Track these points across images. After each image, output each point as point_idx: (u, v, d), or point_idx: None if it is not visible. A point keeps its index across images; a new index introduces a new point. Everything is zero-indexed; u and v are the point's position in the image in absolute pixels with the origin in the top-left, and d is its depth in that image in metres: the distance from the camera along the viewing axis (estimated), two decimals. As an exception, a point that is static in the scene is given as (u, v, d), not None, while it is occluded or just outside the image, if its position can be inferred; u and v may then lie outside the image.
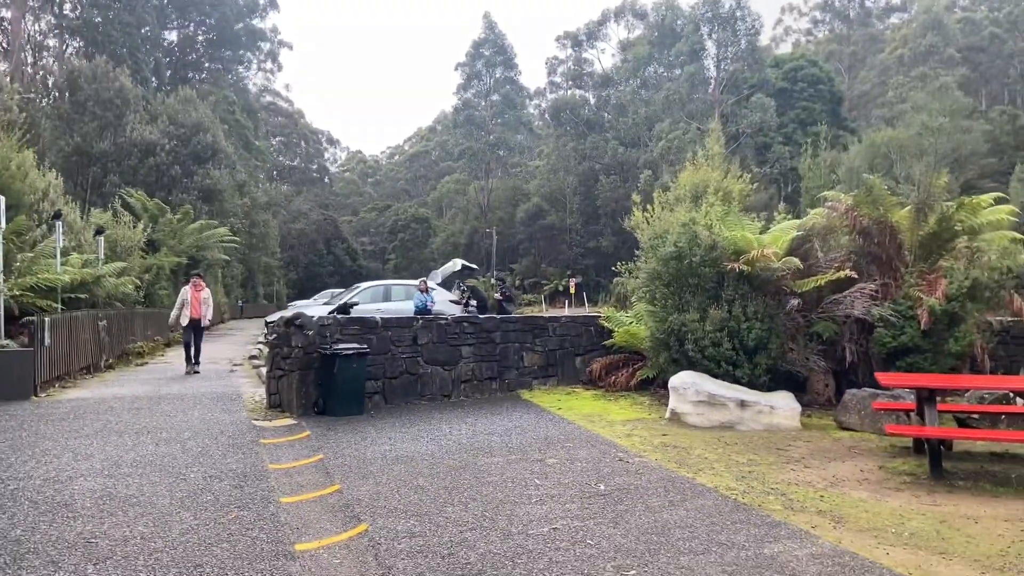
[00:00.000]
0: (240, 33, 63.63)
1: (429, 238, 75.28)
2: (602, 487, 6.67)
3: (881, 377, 7.35)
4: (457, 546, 5.13)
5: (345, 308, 16.58)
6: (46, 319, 12.11)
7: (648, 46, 61.82)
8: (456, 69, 73.23)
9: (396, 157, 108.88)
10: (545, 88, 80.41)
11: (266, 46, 68.51)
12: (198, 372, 14.39)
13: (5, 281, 12.59)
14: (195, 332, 14.52)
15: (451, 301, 18.52)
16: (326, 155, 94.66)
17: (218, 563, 4.73)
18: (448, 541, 5.23)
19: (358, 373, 9.74)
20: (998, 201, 10.55)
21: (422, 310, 16.17)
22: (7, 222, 13.15)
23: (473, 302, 18.39)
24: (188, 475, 6.85)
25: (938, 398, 7.35)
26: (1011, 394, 8.40)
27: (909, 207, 10.21)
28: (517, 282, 62.51)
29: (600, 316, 13.23)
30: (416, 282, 19.18)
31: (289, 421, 9.52)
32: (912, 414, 7.74)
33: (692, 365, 10.15)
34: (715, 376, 9.92)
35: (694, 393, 9.50)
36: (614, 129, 62.97)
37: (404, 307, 17.45)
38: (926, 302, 9.35)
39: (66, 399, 11.09)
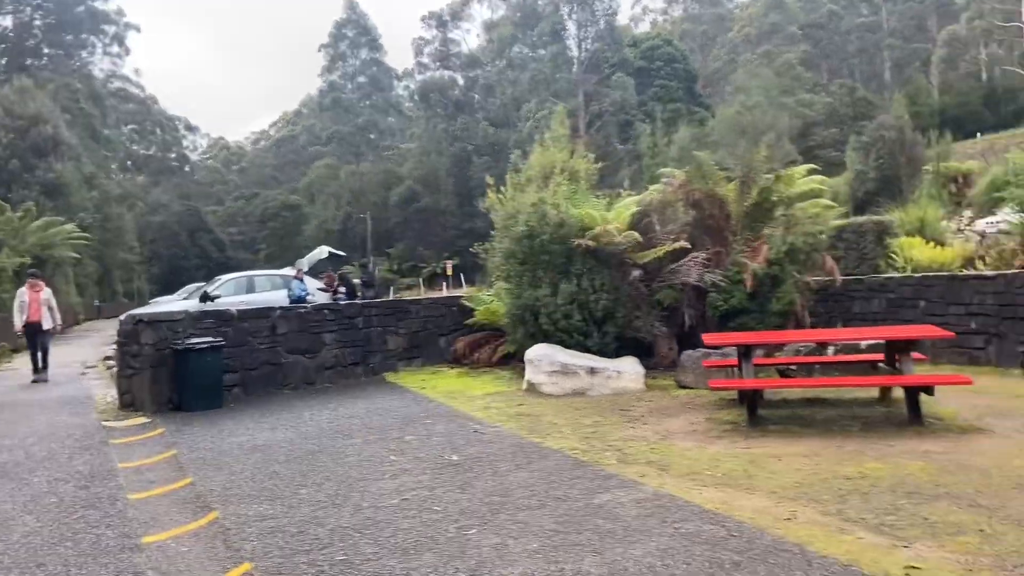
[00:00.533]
0: (82, 16, 59.66)
1: (302, 225, 73.50)
2: (455, 457, 7.02)
3: (706, 338, 8.06)
4: (308, 524, 5.33)
5: (205, 299, 16.21)
6: None
7: (512, 27, 62.52)
8: (320, 50, 71.62)
9: (262, 143, 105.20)
10: (413, 69, 79.79)
11: (111, 29, 64.53)
12: (47, 380, 13.27)
13: None
14: (38, 336, 13.42)
15: (320, 289, 18.41)
16: (185, 143, 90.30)
17: (61, 561, 4.75)
18: (299, 520, 5.42)
19: (213, 367, 9.67)
20: (811, 172, 11.60)
21: (299, 299, 15.89)
22: None
23: (343, 289, 18.36)
24: (31, 480, 6.71)
25: (756, 353, 8.13)
26: (825, 345, 9.37)
27: (735, 181, 11.10)
28: (395, 267, 62.17)
29: (462, 296, 13.60)
30: (282, 272, 18.93)
31: (142, 420, 9.35)
32: (736, 369, 8.51)
33: (547, 338, 10.67)
34: (568, 347, 10.47)
35: (548, 364, 10.01)
36: (484, 110, 63.54)
37: (271, 298, 17.15)
38: (750, 267, 10.25)
39: None
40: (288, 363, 10.98)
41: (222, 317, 10.45)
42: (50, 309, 13.57)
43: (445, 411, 9.19)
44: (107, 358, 16.61)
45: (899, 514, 4.93)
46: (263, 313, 10.92)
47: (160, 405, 9.72)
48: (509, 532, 4.99)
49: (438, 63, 75.36)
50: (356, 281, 19.40)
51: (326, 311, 11.52)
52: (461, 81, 69.11)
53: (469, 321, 12.67)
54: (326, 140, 73.82)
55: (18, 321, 13.38)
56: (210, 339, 9.79)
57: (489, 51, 66.42)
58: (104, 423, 9.24)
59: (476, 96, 66.41)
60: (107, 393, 11.39)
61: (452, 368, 12.35)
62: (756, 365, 8.53)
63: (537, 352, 10.20)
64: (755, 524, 4.90)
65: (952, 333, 7.43)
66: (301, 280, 16.84)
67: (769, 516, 5.04)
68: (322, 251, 21.01)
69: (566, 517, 5.23)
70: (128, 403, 9.92)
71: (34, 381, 13.21)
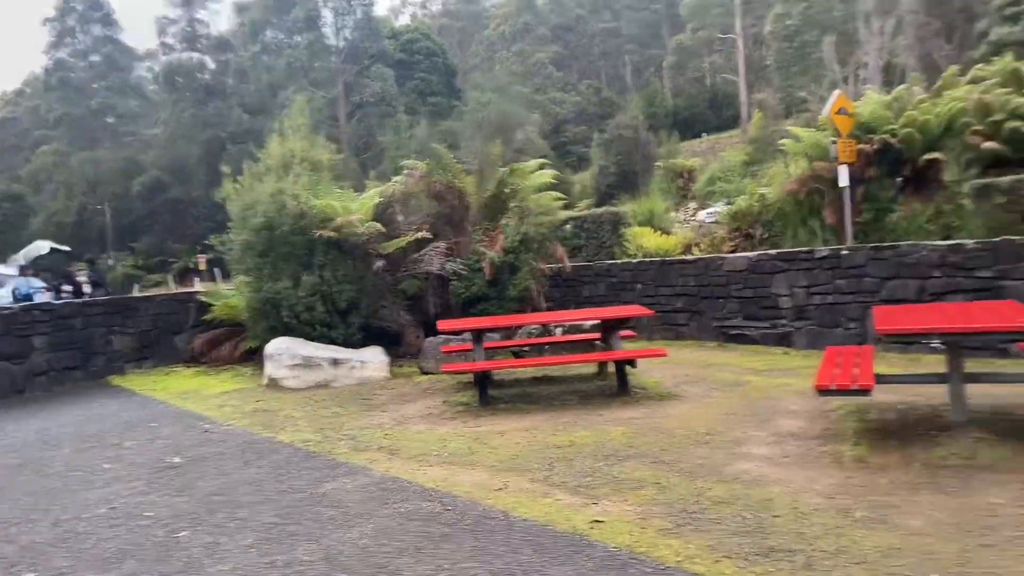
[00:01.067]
0: None
1: (27, 218, 65.19)
2: (177, 460, 6.70)
3: (440, 324, 8.35)
4: (-3, 545, 4.85)
5: None
6: None
7: (264, 10, 59.85)
8: (44, 24, 63.83)
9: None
10: (157, 50, 73.55)
11: None
12: None
13: None
14: None
15: (43, 288, 16.59)
16: None
17: None
18: (-12, 542, 4.91)
19: None
20: (543, 167, 12.39)
21: (26, 297, 14.17)
22: None
23: (68, 287, 16.70)
24: None
25: (490, 337, 8.57)
26: (552, 326, 10.07)
27: (473, 173, 11.57)
28: (140, 262, 57.24)
29: (200, 292, 12.91)
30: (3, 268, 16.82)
31: None
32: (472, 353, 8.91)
33: (289, 331, 10.45)
34: (312, 339, 10.34)
35: (289, 358, 9.82)
36: (238, 95, 60.18)
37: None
38: (488, 256, 10.75)
39: None
40: (-13, 371, 9.81)
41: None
42: None
43: (174, 413, 8.72)
44: None
45: (594, 476, 5.47)
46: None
47: None
48: (224, 530, 4.88)
49: (184, 44, 70.08)
50: (82, 279, 17.70)
51: (36, 311, 10.41)
52: (212, 64, 64.80)
53: (207, 317, 12.05)
54: (54, 123, 66.02)
55: None
56: None
57: (241, 35, 63.03)
58: None
59: (229, 81, 62.65)
60: None
61: (189, 368, 11.70)
62: (491, 348, 9.01)
63: (277, 346, 9.97)
64: (469, 497, 5.20)
65: (652, 311, 8.31)
66: (29, 277, 15.07)
67: (483, 489, 5.36)
68: (41, 246, 18.92)
69: (288, 509, 5.21)
70: None
71: None
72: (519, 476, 5.62)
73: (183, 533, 4.87)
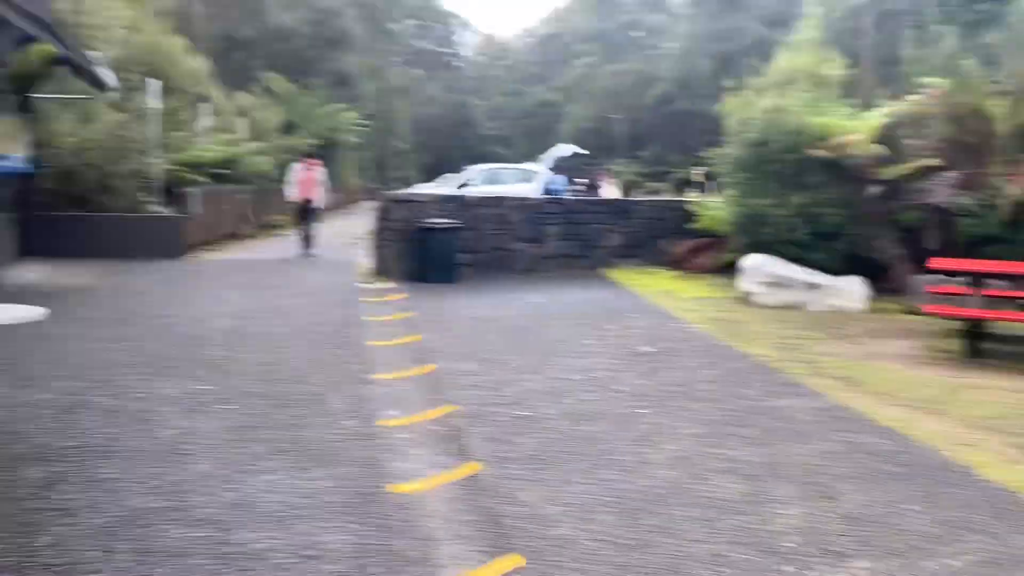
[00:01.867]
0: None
1: (556, 124, 74.86)
2: (647, 348, 7.46)
3: (932, 262, 7.62)
4: (504, 384, 6.13)
5: (461, 187, 17.69)
6: (195, 191, 13.85)
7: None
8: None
9: (529, 40, 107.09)
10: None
11: (401, -75, 68.41)
12: (313, 256, 13.49)
13: (161, 156, 14.37)
14: (308, 213, 13.61)
15: (568, 187, 19.19)
16: (456, 38, 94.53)
17: (311, 383, 5.91)
18: (497, 380, 6.23)
19: (450, 246, 10.83)
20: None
21: (554, 192, 16.56)
22: (162, 103, 14.83)
23: (581, 185, 19.04)
24: (299, 321, 8.20)
25: (991, 284, 7.56)
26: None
27: (1008, 96, 9.87)
28: (644, 169, 61.75)
29: (687, 201, 13.61)
30: (524, 166, 19.97)
31: (389, 285, 10.81)
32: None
33: (768, 249, 10.52)
34: (789, 260, 10.28)
35: (763, 274, 9.96)
36: (758, 7, 59.38)
37: (512, 190, 18.30)
38: (1010, 192, 9.24)
39: (210, 260, 12.91)
40: (516, 250, 11.91)
41: (461, 202, 11.55)
42: (321, 188, 13.74)
43: (650, 308, 9.61)
44: (371, 232, 18.83)
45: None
46: (496, 202, 11.87)
47: (404, 274, 11.11)
48: (679, 416, 5.40)
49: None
50: (586, 181, 19.88)
51: (552, 205, 12.23)
52: (737, -26, 64.82)
53: (691, 226, 12.72)
54: (590, 38, 73.52)
55: (289, 191, 13.76)
56: (449, 221, 10.92)
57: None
58: (360, 284, 10.82)
59: (751, -7, 62.14)
60: (367, 261, 13.13)
61: (669, 271, 12.58)
62: (992, 297, 7.93)
63: (753, 261, 10.15)
64: (929, 444, 4.89)
65: None
66: (563, 177, 17.51)
67: (948, 440, 4.97)
68: (565, 149, 21.71)
69: (738, 413, 5.52)
70: (380, 270, 11.48)
71: (296, 254, 13.53)
72: (994, 436, 5.07)
73: (644, 410, 5.53)
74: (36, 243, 11.55)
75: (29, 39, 9.29)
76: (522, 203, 12.01)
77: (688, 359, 7.10)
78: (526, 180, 18.55)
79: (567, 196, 16.22)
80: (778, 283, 9.89)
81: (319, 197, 13.78)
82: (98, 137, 13.23)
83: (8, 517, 3.40)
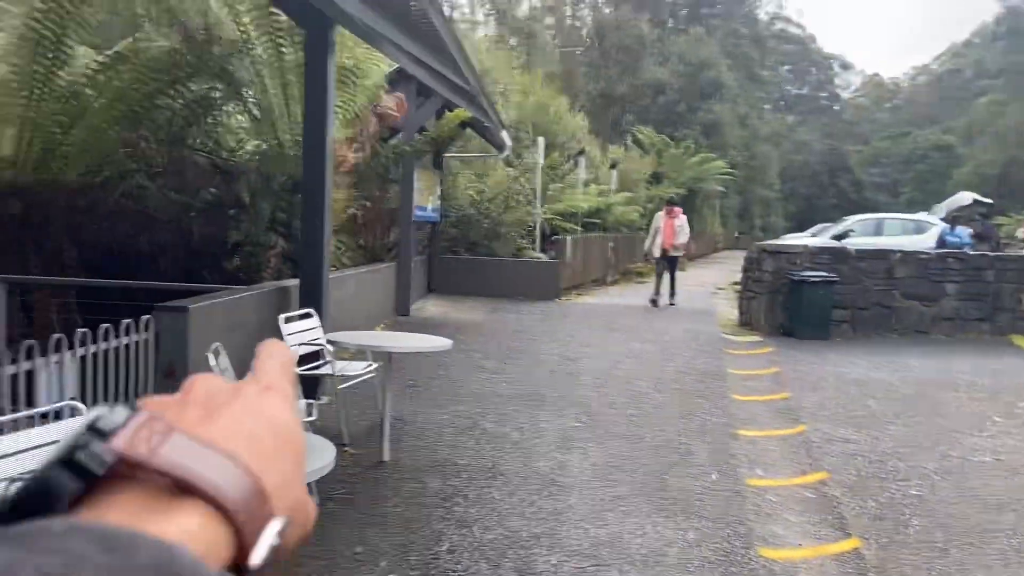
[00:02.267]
0: (751, -38, 63.70)
1: (953, 168, 66.71)
2: (1077, 436, 6.20)
3: None
4: (888, 456, 5.53)
5: (838, 239, 16.57)
6: (568, 238, 14.90)
7: None
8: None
9: (920, 78, 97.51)
10: None
11: (778, -28, 67.54)
12: (672, 304, 13.42)
13: (540, 207, 15.73)
14: (668, 262, 13.53)
15: (970, 239, 16.96)
16: (836, 81, 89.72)
17: (675, 432, 5.92)
18: (881, 451, 5.64)
19: (824, 300, 10.12)
20: None
21: (952, 245, 14.76)
22: (544, 158, 16.27)
23: (969, 234, 16.63)
24: (662, 367, 8.29)
25: None
26: None
27: None
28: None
29: None
30: (915, 216, 18.06)
31: (755, 338, 10.43)
32: None
33: None
34: None
35: None
36: None
37: (901, 242, 16.58)
38: None
39: (579, 303, 13.70)
40: (902, 307, 10.73)
41: (838, 254, 10.76)
42: (682, 236, 13.58)
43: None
44: (735, 282, 18.47)
45: None
46: (881, 254, 10.84)
47: (772, 328, 10.64)
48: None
49: None
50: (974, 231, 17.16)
51: (950, 259, 10.79)
52: None
53: None
54: (996, 73, 64.68)
55: (648, 244, 13.83)
56: (824, 273, 10.24)
57: None
58: (723, 335, 10.63)
59: None
60: (730, 311, 12.87)
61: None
62: None
63: None
64: None
65: None
66: (958, 227, 15.54)
67: None
68: (964, 197, 19.17)
69: None
70: (745, 322, 11.15)
71: (652, 302, 13.48)
72: None
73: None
74: (438, 281, 13.33)
75: (445, 107, 10.87)
76: (911, 257, 10.82)
77: None
78: (918, 231, 16.74)
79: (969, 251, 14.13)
80: None
81: (680, 245, 13.74)
82: (492, 190, 14.93)
83: (414, 521, 3.90)
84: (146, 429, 0.36)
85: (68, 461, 0.34)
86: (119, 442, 0.35)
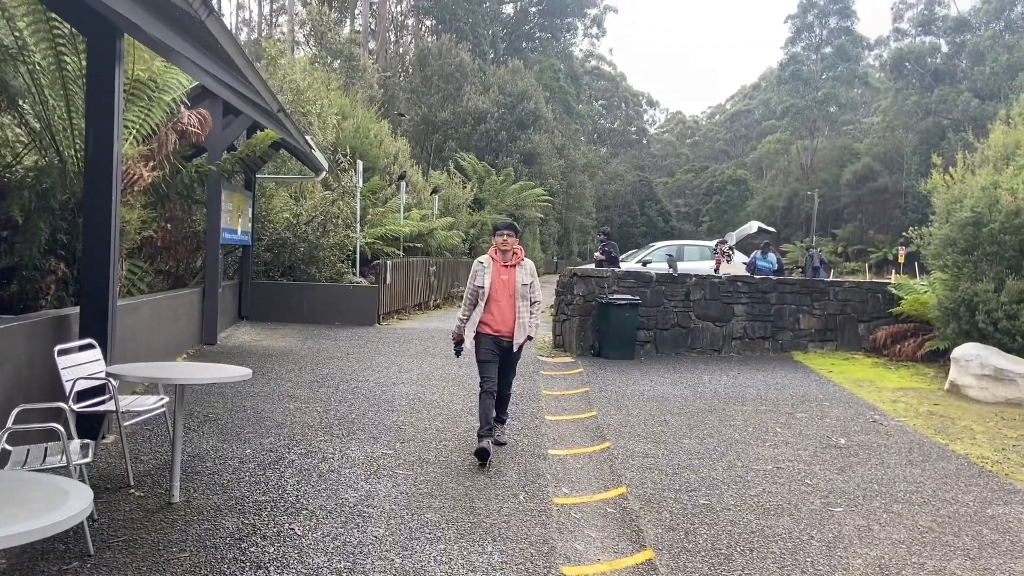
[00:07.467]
0: (568, 1, 66.94)
1: (745, 200, 73.25)
2: (842, 441, 6.90)
3: None
4: (682, 468, 5.87)
5: (644, 265, 17.58)
6: (389, 263, 14.76)
7: (1016, -18, 53.27)
8: (785, 22, 69.82)
9: (716, 117, 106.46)
10: (888, 37, 72.72)
11: (592, 12, 71.52)
12: None
13: (361, 230, 15.51)
14: None
15: (775, 265, 18.40)
16: (645, 117, 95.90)
17: (496, 458, 5.93)
18: (676, 464, 5.99)
19: (630, 322, 10.69)
20: None
21: (760, 269, 15.81)
22: (364, 182, 16.09)
23: (769, 263, 18.23)
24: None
25: None
26: None
27: None
28: (839, 249, 58.68)
29: (890, 284, 12.66)
30: (710, 243, 19.55)
31: (568, 359, 10.82)
32: None
33: (983, 338, 9.52)
34: (1008, 350, 9.23)
35: (978, 366, 8.98)
36: (968, 80, 55.65)
37: (698, 267, 17.85)
38: None
39: (399, 328, 13.58)
40: (697, 328, 11.55)
41: (642, 279, 11.42)
42: None
43: (846, 397, 8.90)
44: (551, 306, 19.10)
45: None
46: (678, 279, 11.62)
47: (583, 349, 11.09)
48: (877, 519, 4.91)
49: (919, 28, 67.59)
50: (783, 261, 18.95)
51: (739, 283, 11.78)
52: (944, 48, 61.20)
53: (894, 310, 11.79)
54: (780, 114, 71.91)
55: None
56: (629, 297, 10.83)
57: (984, 12, 57.61)
58: (540, 357, 10.92)
59: (961, 64, 58.30)
60: (546, 334, 13.27)
61: (868, 357, 11.67)
62: None
63: (967, 351, 9.19)
64: None
65: None
66: (766, 254, 16.67)
67: None
68: (751, 226, 21.06)
69: (947, 519, 4.95)
70: (559, 344, 11.54)
71: None
72: None
73: (837, 509, 5.07)
74: (251, 307, 12.74)
75: (256, 127, 10.47)
76: (706, 281, 11.69)
77: (890, 455, 6.48)
78: (709, 257, 18.17)
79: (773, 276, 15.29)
80: (997, 376, 8.87)
81: None
82: (309, 213, 14.52)
83: (201, 566, 3.64)
84: None
85: None
86: None
